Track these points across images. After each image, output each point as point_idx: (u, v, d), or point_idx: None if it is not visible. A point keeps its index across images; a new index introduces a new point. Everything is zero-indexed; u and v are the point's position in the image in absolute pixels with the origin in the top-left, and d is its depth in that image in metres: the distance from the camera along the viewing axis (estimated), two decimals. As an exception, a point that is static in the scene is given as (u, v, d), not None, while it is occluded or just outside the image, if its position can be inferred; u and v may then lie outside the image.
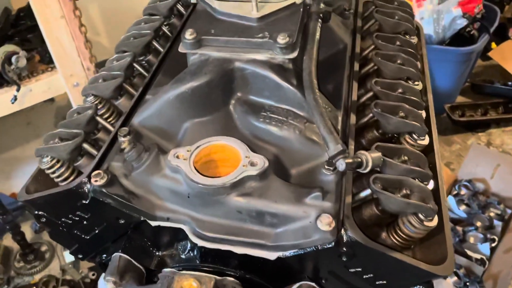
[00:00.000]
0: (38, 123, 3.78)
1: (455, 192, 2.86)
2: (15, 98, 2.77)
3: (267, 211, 0.86)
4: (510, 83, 3.58)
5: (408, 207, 0.82)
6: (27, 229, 2.93)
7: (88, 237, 1.04)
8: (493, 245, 2.60)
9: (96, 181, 0.91)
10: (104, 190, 0.91)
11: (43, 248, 2.94)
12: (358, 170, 0.85)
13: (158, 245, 1.02)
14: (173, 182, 0.91)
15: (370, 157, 0.84)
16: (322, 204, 0.84)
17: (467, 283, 2.47)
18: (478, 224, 2.71)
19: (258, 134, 0.97)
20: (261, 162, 0.89)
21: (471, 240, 2.68)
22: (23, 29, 3.13)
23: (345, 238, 0.82)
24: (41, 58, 2.99)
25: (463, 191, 2.89)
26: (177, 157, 0.92)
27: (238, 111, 1.00)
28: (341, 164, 0.82)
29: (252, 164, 0.89)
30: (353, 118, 1.02)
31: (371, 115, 1.02)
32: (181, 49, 1.02)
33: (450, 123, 3.41)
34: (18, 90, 2.76)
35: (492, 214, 2.72)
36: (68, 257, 2.84)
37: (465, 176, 2.95)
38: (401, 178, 0.85)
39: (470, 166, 2.98)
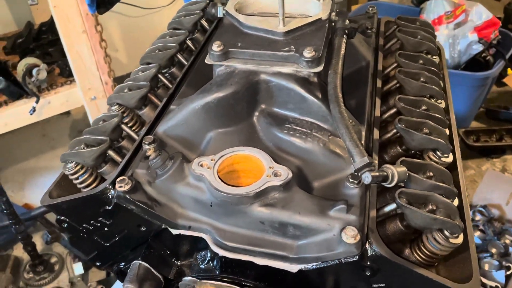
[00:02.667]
0: (53, 135, 3.83)
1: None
2: (33, 110, 2.82)
3: (290, 222, 0.86)
4: (525, 109, 3.57)
5: (434, 223, 0.82)
6: (38, 239, 2.94)
7: (108, 244, 1.04)
8: (508, 272, 2.55)
9: (120, 186, 0.92)
10: (128, 196, 0.92)
11: (53, 259, 2.93)
12: (383, 184, 0.84)
13: (177, 255, 1.02)
14: (196, 191, 0.92)
15: (396, 171, 0.84)
16: (346, 217, 0.84)
17: (482, 311, 2.42)
18: (493, 251, 2.66)
19: (282, 145, 0.98)
20: (285, 173, 0.89)
21: (486, 267, 2.63)
22: (44, 43, 3.21)
23: (369, 252, 0.81)
24: (60, 71, 3.06)
25: (478, 217, 2.85)
26: (201, 165, 0.93)
27: (262, 122, 1.01)
28: (367, 177, 0.82)
29: (276, 175, 0.89)
30: (376, 134, 1.03)
31: (394, 131, 1.02)
32: (208, 60, 1.04)
33: (465, 148, 3.39)
34: (37, 102, 2.81)
35: (507, 241, 2.67)
36: (77, 270, 2.84)
37: (480, 201, 2.92)
38: (427, 193, 0.85)
39: (485, 191, 2.95)
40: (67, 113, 3.76)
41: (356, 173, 0.84)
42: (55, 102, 2.92)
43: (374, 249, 0.81)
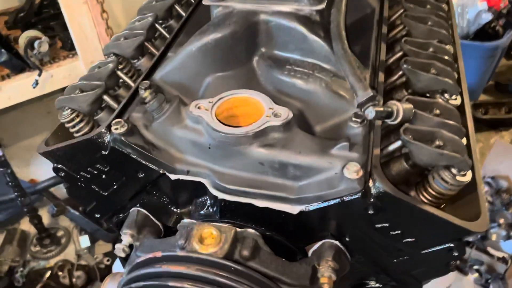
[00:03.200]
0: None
1: (478, 188, 2.78)
2: (36, 83, 2.80)
3: (290, 162, 0.83)
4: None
5: (441, 158, 0.78)
6: (44, 213, 2.94)
7: (106, 193, 1.02)
8: (517, 242, 2.52)
9: (116, 129, 0.89)
10: (124, 139, 0.89)
11: (59, 233, 2.95)
12: (387, 121, 0.81)
13: (176, 202, 1.00)
14: (194, 133, 0.89)
15: (401, 107, 0.80)
16: (349, 154, 0.81)
17: (489, 281, 2.39)
18: (501, 221, 2.63)
19: (282, 88, 0.94)
20: (285, 113, 0.86)
21: (493, 237, 2.61)
22: (46, 17, 3.18)
23: (372, 189, 0.78)
24: (63, 45, 3.03)
25: (486, 188, 2.81)
26: (199, 108, 0.90)
27: (262, 66, 0.98)
28: (370, 112, 0.78)
29: (276, 115, 0.86)
30: (381, 77, 0.99)
31: (400, 73, 0.98)
32: (205, 1, 1.00)
33: (473, 120, 3.32)
34: (39, 74, 2.79)
35: (516, 211, 2.64)
36: (84, 243, 2.85)
37: (488, 173, 2.88)
38: (434, 129, 0.81)
39: (494, 163, 2.90)
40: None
41: (359, 109, 0.80)
42: (57, 76, 2.90)
43: (377, 186, 0.78)
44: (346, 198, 0.79)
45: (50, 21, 3.15)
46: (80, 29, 2.77)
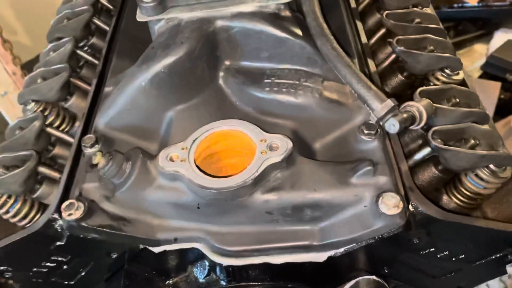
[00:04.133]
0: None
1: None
2: None
3: (306, 203, 0.67)
4: (455, 5, 3.48)
5: (482, 160, 0.65)
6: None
7: (73, 282, 0.81)
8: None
9: (70, 214, 0.67)
10: (83, 224, 0.67)
11: None
12: (411, 127, 0.66)
13: (166, 272, 0.80)
14: (173, 194, 0.69)
15: (421, 106, 0.65)
16: (375, 180, 0.65)
17: None
18: None
19: (265, 107, 0.76)
20: (283, 143, 0.68)
21: None
22: None
23: (416, 217, 0.64)
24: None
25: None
26: (171, 159, 0.69)
27: (231, 83, 0.78)
28: (393, 125, 0.63)
29: (272, 148, 0.68)
30: (371, 65, 0.83)
31: (392, 57, 0.83)
32: (141, 17, 0.77)
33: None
34: None
35: None
36: None
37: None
38: (463, 126, 0.68)
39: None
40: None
41: (377, 123, 0.64)
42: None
43: (420, 212, 0.63)
44: (385, 235, 0.64)
45: None
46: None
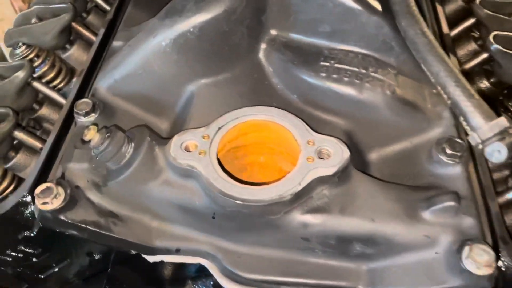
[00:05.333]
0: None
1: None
2: None
3: (357, 235, 0.50)
4: None
5: None
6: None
7: (43, 276, 0.65)
8: None
9: (44, 203, 0.50)
10: (61, 217, 0.51)
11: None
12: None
13: (159, 283, 0.65)
14: (183, 194, 0.53)
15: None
16: (456, 221, 0.48)
17: None
18: None
19: (315, 98, 0.59)
20: (337, 150, 0.51)
21: None
22: None
23: (506, 276, 0.47)
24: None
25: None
26: (187, 148, 0.53)
27: (275, 60, 0.61)
28: (497, 152, 0.45)
29: (322, 155, 0.51)
30: (454, 61, 0.65)
31: (483, 56, 0.65)
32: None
33: None
34: None
35: None
36: None
37: None
38: None
39: None
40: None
41: (479, 146, 0.47)
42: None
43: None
44: (462, 297, 0.47)
45: None
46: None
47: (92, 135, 0.51)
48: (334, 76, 0.56)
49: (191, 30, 0.55)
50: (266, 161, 0.61)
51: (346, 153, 0.51)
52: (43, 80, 0.69)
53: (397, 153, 0.58)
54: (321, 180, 0.50)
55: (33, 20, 0.71)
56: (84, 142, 0.54)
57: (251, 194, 0.49)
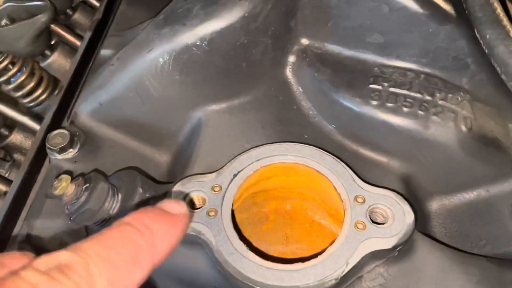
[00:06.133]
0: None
1: None
2: None
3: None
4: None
5: None
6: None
7: None
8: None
9: (0, 281, 0.37)
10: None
11: None
12: None
13: None
14: (184, 264, 0.39)
15: None
16: None
17: None
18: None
19: (363, 132, 0.44)
20: (398, 211, 0.38)
21: None
22: None
23: None
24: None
25: None
26: (191, 204, 0.39)
27: (307, 78, 0.46)
28: None
29: (375, 218, 0.37)
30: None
31: None
32: None
33: None
34: None
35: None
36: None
37: None
38: None
39: None
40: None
41: None
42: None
43: None
44: None
45: None
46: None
47: (65, 188, 0.38)
48: (390, 105, 0.42)
49: (198, 43, 0.40)
50: (294, 208, 0.48)
51: (410, 217, 0.37)
52: (20, 93, 0.57)
53: (467, 203, 0.45)
54: (375, 255, 0.37)
55: (3, 22, 0.57)
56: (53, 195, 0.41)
57: (281, 279, 0.35)
